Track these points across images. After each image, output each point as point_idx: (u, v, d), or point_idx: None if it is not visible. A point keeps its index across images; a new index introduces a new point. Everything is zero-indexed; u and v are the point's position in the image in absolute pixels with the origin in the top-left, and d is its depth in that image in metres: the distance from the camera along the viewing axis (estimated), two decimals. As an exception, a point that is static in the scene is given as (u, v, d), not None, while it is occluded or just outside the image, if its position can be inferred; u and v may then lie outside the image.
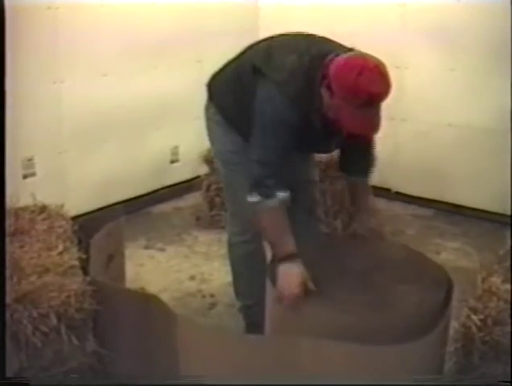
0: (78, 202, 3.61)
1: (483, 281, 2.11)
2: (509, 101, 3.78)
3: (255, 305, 2.74)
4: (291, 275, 2.10)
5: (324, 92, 2.11)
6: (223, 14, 4.46)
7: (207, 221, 4.08)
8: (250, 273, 2.74)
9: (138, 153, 4.24)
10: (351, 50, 2.19)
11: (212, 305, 3.15)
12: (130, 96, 4.03)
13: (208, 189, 4.07)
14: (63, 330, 2.08)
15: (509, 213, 3.74)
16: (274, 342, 2.01)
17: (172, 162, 4.52)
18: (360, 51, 2.15)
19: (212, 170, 4.02)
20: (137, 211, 4.15)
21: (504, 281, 2.09)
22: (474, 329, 1.92)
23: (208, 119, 2.62)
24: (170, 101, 4.28)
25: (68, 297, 2.10)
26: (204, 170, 4.09)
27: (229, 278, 2.90)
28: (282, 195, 2.19)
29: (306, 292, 2.08)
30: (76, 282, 2.17)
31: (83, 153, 3.88)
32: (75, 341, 2.11)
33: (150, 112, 4.21)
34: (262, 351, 1.92)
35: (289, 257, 2.14)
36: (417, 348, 1.89)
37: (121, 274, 2.86)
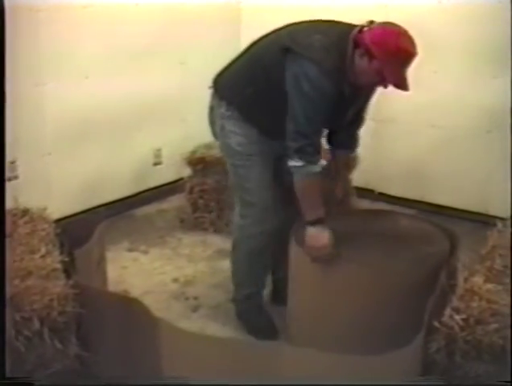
0: (61, 205, 3.59)
1: (465, 280, 2.13)
2: (489, 102, 3.83)
3: (255, 294, 2.80)
4: (322, 236, 2.38)
5: (359, 60, 2.34)
6: (205, 16, 4.45)
7: (190, 223, 4.07)
8: (260, 265, 2.84)
9: (121, 156, 4.22)
10: (372, 22, 2.40)
11: (196, 308, 3.13)
12: (113, 98, 4.01)
13: (191, 191, 4.06)
14: (46, 333, 2.06)
15: (490, 213, 3.77)
16: (255, 346, 2.02)
17: (155, 164, 4.50)
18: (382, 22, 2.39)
19: (195, 172, 4.02)
20: (120, 214, 4.14)
21: (486, 281, 2.11)
22: (457, 328, 1.94)
23: (221, 118, 2.66)
24: (153, 103, 4.26)
25: (51, 300, 2.08)
26: (187, 172, 4.09)
27: (212, 280, 2.90)
28: (322, 162, 2.43)
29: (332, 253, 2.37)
30: (58, 285, 2.15)
31: (66, 155, 3.86)
32: (58, 344, 2.10)
33: (133, 114, 4.19)
34: (244, 355, 1.92)
35: (320, 220, 2.41)
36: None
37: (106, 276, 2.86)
